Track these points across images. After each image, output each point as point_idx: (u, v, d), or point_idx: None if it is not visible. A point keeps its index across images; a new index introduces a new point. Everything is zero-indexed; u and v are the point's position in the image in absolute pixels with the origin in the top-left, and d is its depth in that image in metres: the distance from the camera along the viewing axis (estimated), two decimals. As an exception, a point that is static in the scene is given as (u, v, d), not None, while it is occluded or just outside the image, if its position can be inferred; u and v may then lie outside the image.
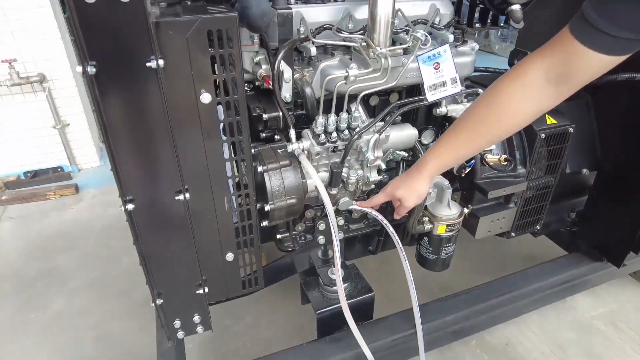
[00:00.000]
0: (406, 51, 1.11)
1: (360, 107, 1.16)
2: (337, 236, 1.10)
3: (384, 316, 1.39)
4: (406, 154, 1.30)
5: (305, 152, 1.12)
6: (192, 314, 1.15)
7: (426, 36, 1.09)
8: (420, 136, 1.31)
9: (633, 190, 1.46)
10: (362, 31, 1.12)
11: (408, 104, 1.21)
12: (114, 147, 0.83)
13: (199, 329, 1.18)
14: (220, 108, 0.91)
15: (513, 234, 1.52)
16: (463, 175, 1.33)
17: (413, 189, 1.08)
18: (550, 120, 1.37)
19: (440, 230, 1.25)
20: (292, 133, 1.10)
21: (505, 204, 1.47)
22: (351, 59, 1.12)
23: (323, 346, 1.30)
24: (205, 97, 0.85)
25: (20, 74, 2.50)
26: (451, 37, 1.19)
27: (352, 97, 1.11)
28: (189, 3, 0.92)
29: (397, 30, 1.15)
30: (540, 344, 1.66)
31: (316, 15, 1.11)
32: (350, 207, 1.20)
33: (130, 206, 0.89)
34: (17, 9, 2.40)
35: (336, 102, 1.09)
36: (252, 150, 1.07)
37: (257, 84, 1.15)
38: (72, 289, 1.97)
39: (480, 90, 1.27)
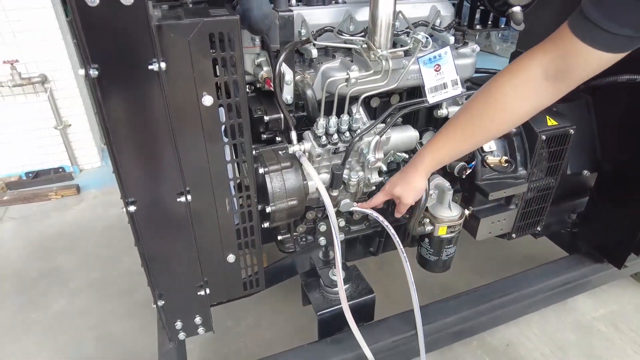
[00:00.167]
0: (407, 53, 1.12)
1: (361, 109, 1.17)
2: (338, 237, 1.10)
3: (385, 317, 1.39)
4: (407, 156, 1.29)
5: (307, 153, 1.12)
6: (193, 315, 1.15)
7: (427, 38, 1.09)
8: (421, 138, 1.31)
9: (633, 192, 1.46)
10: (363, 33, 1.13)
11: (409, 105, 1.21)
12: (116, 149, 0.83)
13: (201, 330, 1.18)
14: (221, 110, 0.91)
15: (514, 235, 1.52)
16: (464, 177, 1.33)
17: (410, 186, 1.08)
18: (551, 122, 1.37)
19: (441, 231, 1.25)
20: (293, 135, 1.10)
21: (506, 205, 1.46)
22: (352, 61, 1.13)
23: (324, 347, 1.30)
24: (207, 100, 0.86)
25: (22, 75, 2.51)
26: (452, 39, 1.19)
27: (353, 99, 1.11)
28: (191, 6, 0.92)
29: (398, 32, 1.16)
30: (541, 345, 1.66)
31: (317, 17, 1.11)
32: (351, 209, 1.21)
33: (132, 208, 0.89)
34: (19, 9, 2.40)
35: (337, 104, 1.10)
36: (254, 152, 1.07)
37: (258, 85, 1.15)
38: (73, 289, 1.97)
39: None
